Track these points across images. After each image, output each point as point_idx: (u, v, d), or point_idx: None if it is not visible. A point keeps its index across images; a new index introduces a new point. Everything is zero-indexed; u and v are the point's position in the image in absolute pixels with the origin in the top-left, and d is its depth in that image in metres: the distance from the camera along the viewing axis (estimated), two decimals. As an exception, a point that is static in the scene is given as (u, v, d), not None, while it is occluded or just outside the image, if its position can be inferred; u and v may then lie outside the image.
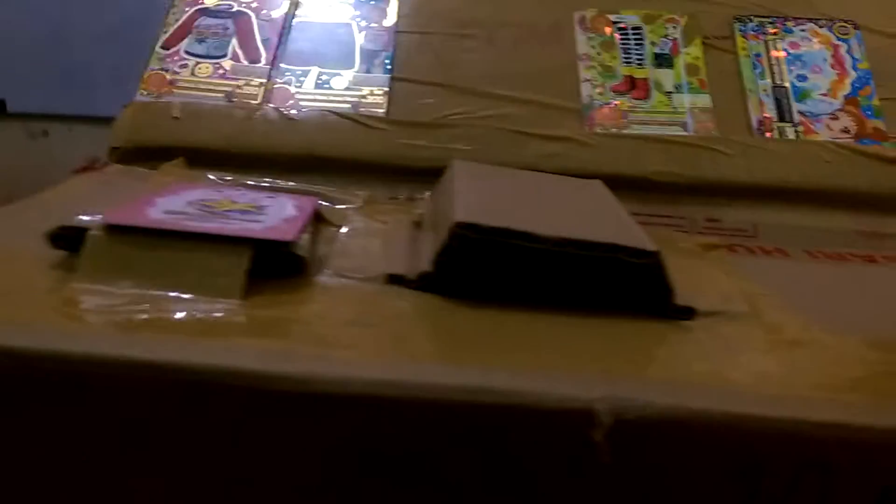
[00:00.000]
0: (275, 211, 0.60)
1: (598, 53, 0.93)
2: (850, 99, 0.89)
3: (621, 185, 0.75)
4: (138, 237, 0.51)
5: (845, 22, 0.95)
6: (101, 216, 0.52)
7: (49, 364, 0.42)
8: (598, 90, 0.91)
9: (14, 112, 2.61)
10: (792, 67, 0.92)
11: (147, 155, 0.81)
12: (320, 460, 0.42)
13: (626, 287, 0.54)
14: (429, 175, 0.78)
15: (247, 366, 0.42)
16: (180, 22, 0.93)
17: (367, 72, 0.90)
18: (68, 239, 0.52)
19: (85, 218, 0.52)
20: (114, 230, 0.51)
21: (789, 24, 0.95)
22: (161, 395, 0.42)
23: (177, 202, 0.59)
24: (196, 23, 0.92)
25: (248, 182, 0.77)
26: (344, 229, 0.66)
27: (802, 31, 0.95)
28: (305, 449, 0.42)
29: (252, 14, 0.94)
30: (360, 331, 0.49)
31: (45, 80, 2.61)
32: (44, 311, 0.47)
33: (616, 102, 0.90)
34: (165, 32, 0.92)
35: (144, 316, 0.47)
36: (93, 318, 0.47)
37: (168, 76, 0.88)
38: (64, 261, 0.52)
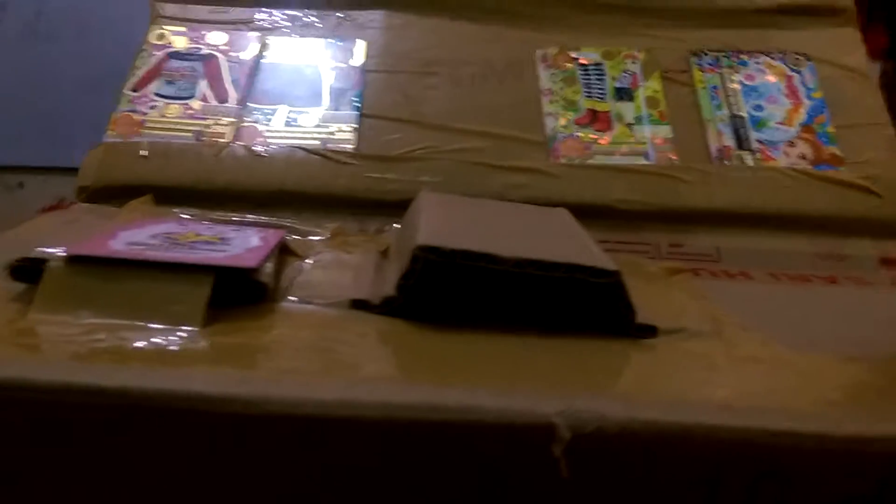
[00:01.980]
0: (239, 242, 0.60)
1: (561, 88, 0.96)
2: (805, 127, 0.92)
3: (586, 213, 0.76)
4: (98, 268, 0.51)
5: (798, 54, 0.99)
6: (62, 249, 0.53)
7: (17, 393, 0.42)
8: (561, 123, 0.93)
9: (-13, 164, 2.61)
10: (748, 98, 0.95)
11: (115, 194, 0.81)
12: (275, 481, 0.42)
13: (588, 307, 0.55)
14: (397, 208, 0.79)
15: (199, 390, 0.42)
16: (150, 65, 0.94)
17: (336, 109, 0.91)
18: (29, 272, 0.52)
19: (45, 250, 0.53)
20: (73, 261, 0.51)
21: (744, 56, 0.99)
22: (115, 421, 0.42)
23: (140, 235, 0.59)
24: (166, 65, 0.93)
25: (216, 216, 0.77)
26: (310, 260, 0.66)
27: (757, 63, 0.98)
28: (261, 471, 0.41)
29: (221, 56, 0.95)
30: (320, 355, 0.49)
31: (22, 133, 2.61)
32: (4, 342, 0.47)
33: (579, 134, 0.92)
34: (134, 75, 0.93)
35: (103, 345, 0.46)
36: (49, 348, 0.47)
37: (136, 117, 0.88)
38: (24, 293, 0.52)
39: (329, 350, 0.50)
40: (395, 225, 0.81)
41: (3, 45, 2.56)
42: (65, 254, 0.51)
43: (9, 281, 0.53)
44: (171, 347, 0.47)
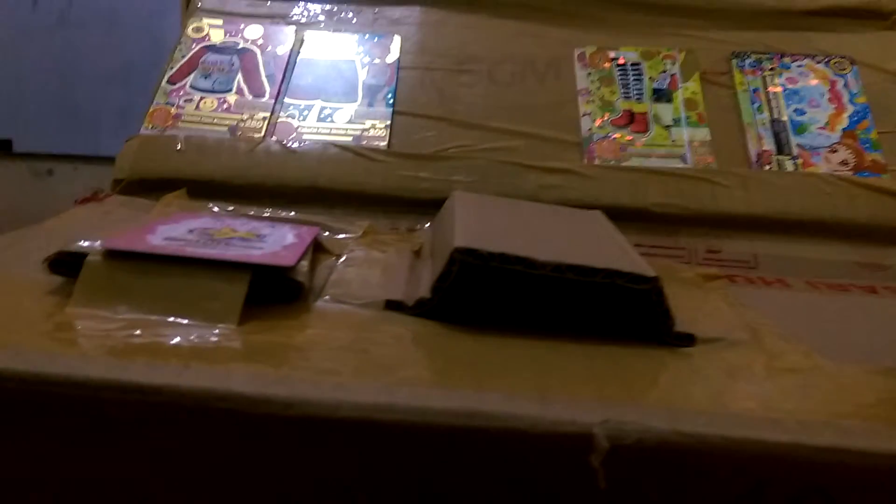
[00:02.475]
0: (275, 239, 0.60)
1: (598, 88, 0.95)
2: (848, 132, 0.90)
3: (621, 216, 0.75)
4: (136, 262, 0.51)
5: (842, 58, 0.96)
6: (99, 242, 0.53)
7: (39, 386, 0.42)
8: (597, 124, 0.91)
9: (19, 151, 2.65)
10: (790, 102, 0.93)
11: (150, 187, 0.81)
12: (312, 484, 0.41)
13: (625, 313, 0.54)
14: (429, 206, 0.79)
15: (237, 389, 0.42)
16: (186, 58, 0.94)
17: (370, 106, 0.91)
18: (68, 265, 0.53)
19: (84, 244, 0.53)
20: (112, 255, 0.51)
21: (786, 59, 0.97)
22: (152, 419, 0.42)
23: (177, 229, 0.59)
24: (202, 59, 0.94)
25: (250, 212, 0.77)
26: (343, 258, 0.66)
27: (800, 66, 0.96)
28: (297, 472, 0.41)
29: (257, 51, 0.96)
30: (355, 356, 0.49)
31: (51, 121, 2.65)
32: (37, 335, 0.47)
33: (615, 136, 0.90)
34: (171, 68, 0.93)
35: (139, 340, 0.47)
36: (86, 343, 0.47)
37: (173, 110, 0.89)
38: (62, 287, 0.52)
39: (364, 351, 0.49)
40: (427, 224, 0.81)
41: (35, 33, 2.60)
42: (103, 247, 0.52)
43: (47, 273, 0.53)
44: (208, 345, 0.47)
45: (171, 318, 0.49)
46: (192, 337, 0.48)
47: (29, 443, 0.43)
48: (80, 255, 0.52)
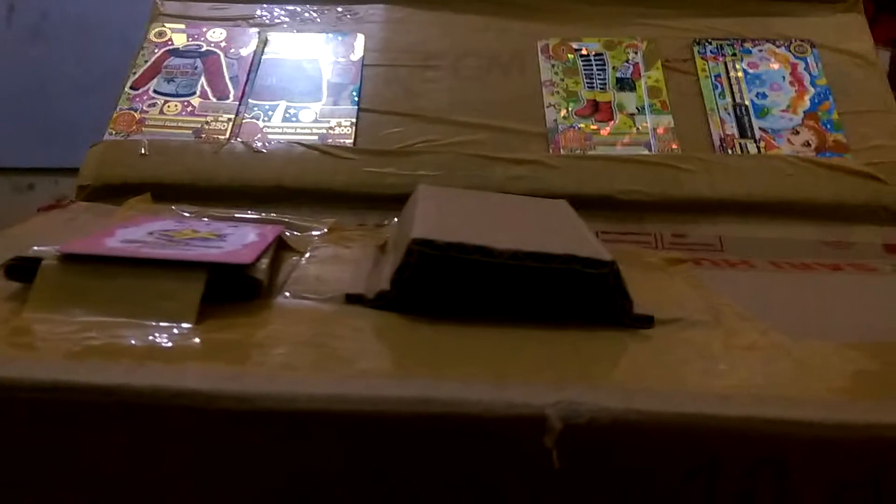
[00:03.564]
0: (236, 238, 0.60)
1: (562, 79, 0.95)
2: (809, 114, 0.91)
3: (588, 204, 0.76)
4: (92, 266, 0.51)
5: (801, 41, 0.97)
6: (58, 247, 0.53)
7: (7, 392, 0.42)
8: (562, 114, 0.92)
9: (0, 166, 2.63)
10: (751, 86, 0.94)
11: (114, 192, 0.81)
12: (267, 478, 0.41)
13: (584, 298, 0.54)
14: (396, 202, 0.79)
15: (191, 386, 0.42)
16: (149, 63, 0.94)
17: (335, 104, 0.91)
18: (24, 271, 0.52)
19: (40, 249, 0.53)
20: (68, 259, 0.51)
21: (747, 44, 0.98)
22: (107, 419, 0.42)
23: (137, 232, 0.59)
24: (165, 63, 0.93)
25: (214, 212, 0.77)
26: (307, 255, 0.66)
27: (760, 50, 0.97)
28: (253, 467, 0.41)
29: (220, 53, 0.95)
30: (315, 350, 0.49)
31: (30, 134, 2.64)
32: (-2, 342, 0.47)
33: (580, 125, 0.91)
34: (134, 73, 0.93)
35: (96, 343, 0.46)
36: (42, 346, 0.47)
37: (137, 115, 0.88)
38: (19, 293, 0.52)
39: (323, 345, 0.49)
40: (394, 220, 0.81)
41: (10, 46, 2.59)
42: (59, 252, 0.51)
43: (3, 280, 0.53)
44: (164, 344, 0.47)
45: (128, 320, 0.49)
46: (148, 337, 0.47)
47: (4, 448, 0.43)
48: (36, 261, 0.52)
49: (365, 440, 0.42)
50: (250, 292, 0.54)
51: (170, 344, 0.47)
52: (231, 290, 0.53)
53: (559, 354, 0.50)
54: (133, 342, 0.47)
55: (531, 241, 0.55)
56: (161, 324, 0.49)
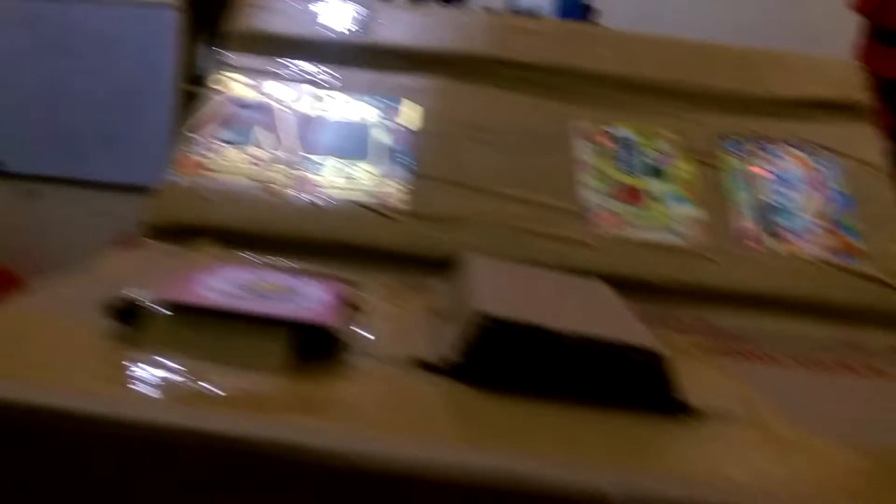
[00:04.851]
0: (310, 294, 0.64)
1: (596, 161, 1.01)
2: (828, 217, 0.97)
3: (619, 285, 0.80)
4: (191, 314, 0.55)
5: (822, 146, 1.04)
6: (154, 292, 0.57)
7: (103, 428, 0.46)
8: (596, 195, 0.98)
9: (8, 171, 2.66)
10: (774, 185, 1.00)
11: (178, 232, 0.85)
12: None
13: (632, 382, 0.59)
14: (439, 265, 0.84)
15: (294, 440, 0.46)
16: (214, 109, 0.99)
17: (385, 166, 0.96)
18: (123, 311, 0.56)
19: (138, 293, 0.57)
20: (167, 306, 0.55)
21: (771, 145, 1.05)
22: (205, 462, 0.46)
23: (219, 281, 0.63)
24: (230, 112, 0.98)
25: (275, 263, 0.81)
26: (369, 313, 0.70)
27: (783, 151, 1.04)
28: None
29: (278, 106, 1.01)
30: (392, 412, 0.53)
31: (40, 143, 2.67)
32: (97, 379, 0.51)
33: (613, 207, 0.97)
34: (198, 118, 0.98)
35: (191, 387, 0.50)
36: (143, 388, 0.50)
37: (198, 159, 0.93)
38: (115, 331, 0.56)
39: (397, 407, 0.54)
40: (435, 280, 0.85)
41: (29, 58, 2.64)
42: (160, 298, 0.55)
43: (101, 318, 0.57)
44: (255, 394, 0.51)
45: (223, 367, 0.53)
46: (238, 386, 0.51)
47: (81, 474, 0.47)
48: (135, 303, 0.56)
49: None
50: (330, 349, 0.58)
51: (258, 394, 0.51)
52: (312, 346, 0.57)
53: (611, 436, 0.55)
54: (227, 390, 0.51)
55: (586, 323, 0.60)
56: (250, 374, 0.53)
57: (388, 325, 0.68)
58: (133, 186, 2.54)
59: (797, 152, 1.05)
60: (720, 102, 1.09)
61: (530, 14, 1.87)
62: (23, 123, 2.66)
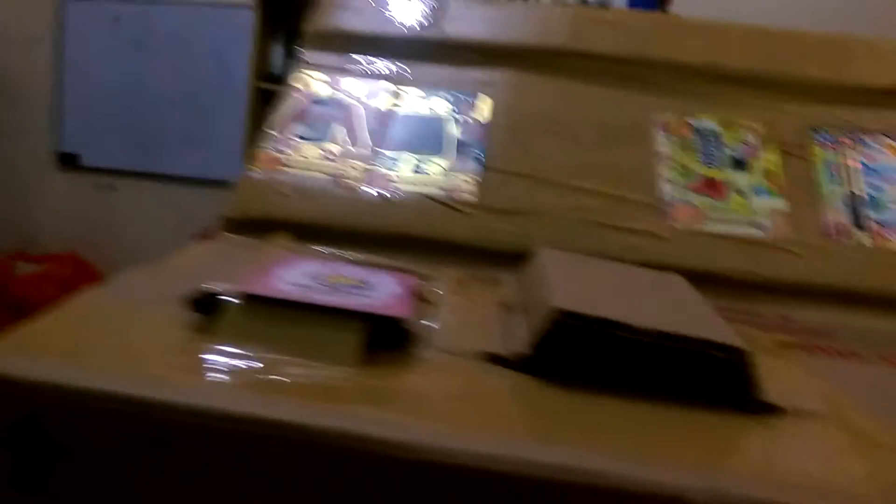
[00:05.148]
0: (381, 287, 0.65)
1: (677, 154, 0.98)
2: (924, 210, 0.92)
3: (698, 279, 0.78)
4: (269, 306, 0.57)
5: (919, 136, 0.99)
6: (233, 285, 0.58)
7: (177, 415, 0.48)
8: (676, 188, 0.95)
9: (86, 165, 2.80)
10: (866, 177, 0.95)
11: (254, 226, 0.88)
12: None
13: (712, 379, 0.57)
14: (510, 258, 0.83)
15: (365, 432, 0.47)
16: (292, 107, 1.01)
17: (459, 161, 0.96)
18: (202, 303, 0.58)
19: (218, 285, 0.59)
20: (247, 299, 0.57)
21: (864, 136, 0.99)
22: (282, 452, 0.47)
23: (294, 274, 0.64)
24: (306, 109, 1.01)
25: (348, 255, 0.82)
26: (439, 306, 0.70)
27: (877, 143, 0.99)
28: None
29: (356, 104, 1.02)
30: (463, 405, 0.53)
31: (118, 138, 2.80)
32: (176, 369, 0.53)
33: (693, 201, 0.94)
34: (277, 116, 1.00)
35: (270, 378, 0.52)
36: (222, 378, 0.52)
37: (278, 156, 0.95)
38: (195, 322, 0.58)
39: (470, 401, 0.54)
40: (507, 274, 0.85)
41: (113, 55, 2.77)
42: (239, 291, 0.57)
43: (182, 309, 0.59)
44: (331, 386, 0.52)
45: (299, 359, 0.54)
46: (314, 377, 0.52)
47: (160, 464, 0.48)
48: (214, 295, 0.58)
49: (516, 500, 0.45)
50: (402, 341, 0.59)
51: (336, 386, 0.52)
52: (386, 339, 0.58)
53: (690, 434, 0.53)
54: (303, 381, 0.52)
55: (665, 319, 0.59)
56: (325, 366, 0.54)
57: (459, 319, 0.68)
58: (206, 181, 2.64)
59: (891, 142, 0.99)
60: (810, 92, 1.05)
61: (602, 5, 1.84)
62: (100, 119, 2.79)
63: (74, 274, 2.50)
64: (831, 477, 0.50)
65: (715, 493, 0.44)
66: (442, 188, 0.93)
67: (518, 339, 0.61)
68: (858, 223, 0.92)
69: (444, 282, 0.81)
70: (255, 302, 0.57)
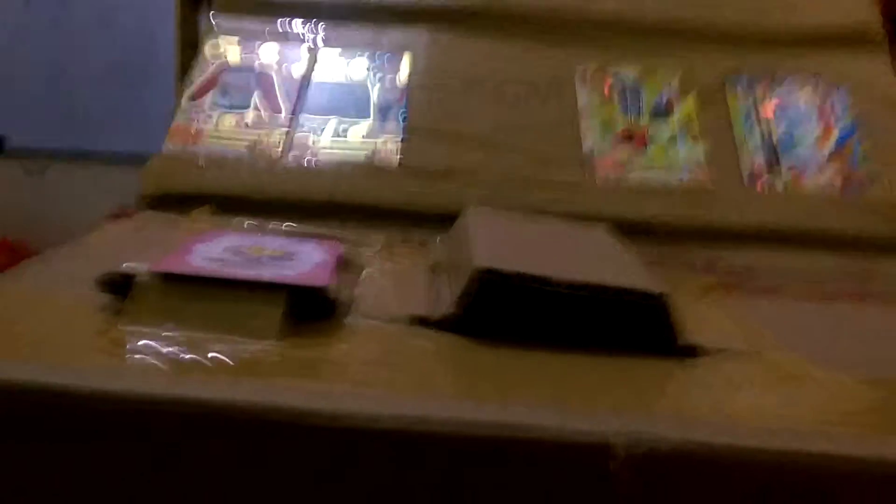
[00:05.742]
0: (304, 257, 0.64)
1: (598, 106, 0.99)
2: (836, 150, 0.95)
3: (623, 229, 0.79)
4: (183, 283, 0.55)
5: (831, 78, 1.01)
6: (146, 263, 0.57)
7: (100, 403, 0.46)
8: (598, 141, 0.96)
9: (12, 148, 2.67)
10: (781, 121, 0.98)
11: (173, 202, 0.85)
12: (348, 493, 0.45)
13: (634, 327, 0.58)
14: (439, 220, 0.83)
15: (287, 403, 0.46)
16: (205, 76, 0.98)
17: (383, 123, 0.95)
18: (116, 284, 0.56)
19: (131, 265, 0.57)
20: (159, 277, 0.55)
21: (778, 80, 1.01)
22: (203, 431, 0.46)
23: (213, 249, 0.63)
24: (220, 77, 0.97)
25: (272, 226, 0.81)
26: (365, 272, 0.70)
27: (791, 86, 1.01)
28: (335, 482, 0.45)
29: (273, 69, 0.99)
30: (387, 370, 0.53)
31: (44, 119, 2.68)
32: (91, 352, 0.51)
33: (616, 152, 0.95)
34: (190, 85, 0.97)
35: (188, 356, 0.50)
36: (139, 359, 0.50)
37: (193, 128, 0.92)
38: (110, 305, 0.56)
39: (394, 365, 0.53)
40: (437, 237, 0.84)
41: (30, 34, 2.63)
42: (152, 270, 0.55)
43: (95, 291, 0.57)
44: (251, 360, 0.51)
45: (216, 336, 0.52)
46: (236, 353, 0.51)
47: (87, 456, 0.47)
48: (129, 276, 0.56)
49: (440, 460, 0.45)
50: (325, 311, 0.58)
51: (257, 360, 0.51)
52: (307, 309, 0.57)
53: (612, 381, 0.54)
54: (223, 357, 0.50)
55: (586, 270, 0.59)
56: (247, 340, 0.53)
57: (386, 284, 0.68)
58: (141, 157, 2.56)
59: (806, 86, 1.01)
60: (728, 39, 1.06)
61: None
62: (25, 100, 2.66)
63: (8, 261, 2.40)
64: (752, 413, 0.52)
65: (635, 436, 0.45)
66: (367, 153, 0.92)
67: (444, 300, 0.61)
68: (774, 166, 0.94)
69: (371, 247, 0.80)
70: (173, 280, 0.55)
